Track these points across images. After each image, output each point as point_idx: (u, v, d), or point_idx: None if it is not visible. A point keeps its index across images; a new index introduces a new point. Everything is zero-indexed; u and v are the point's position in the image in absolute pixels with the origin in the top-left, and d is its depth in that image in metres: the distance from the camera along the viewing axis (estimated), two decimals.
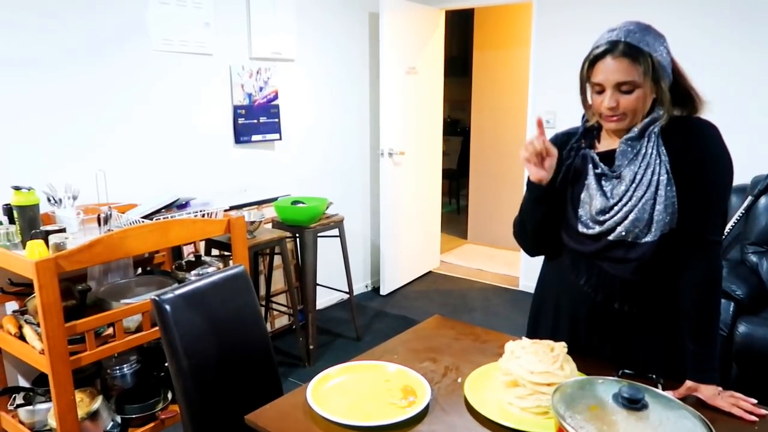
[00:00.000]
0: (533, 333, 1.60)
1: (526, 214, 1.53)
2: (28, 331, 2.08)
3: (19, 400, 2.26)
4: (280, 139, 3.59)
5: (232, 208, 3.18)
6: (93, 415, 2.12)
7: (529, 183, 1.45)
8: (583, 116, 1.51)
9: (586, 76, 1.36)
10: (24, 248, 2.03)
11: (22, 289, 2.28)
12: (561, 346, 1.32)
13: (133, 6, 2.75)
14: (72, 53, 2.57)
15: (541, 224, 1.51)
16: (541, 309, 1.62)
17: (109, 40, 2.69)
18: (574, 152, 1.49)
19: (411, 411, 1.26)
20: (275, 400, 1.37)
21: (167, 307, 1.50)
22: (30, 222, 2.12)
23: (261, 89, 3.43)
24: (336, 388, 1.38)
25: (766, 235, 2.99)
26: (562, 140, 1.54)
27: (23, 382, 2.45)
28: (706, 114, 1.38)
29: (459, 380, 1.42)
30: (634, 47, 1.28)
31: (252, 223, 2.93)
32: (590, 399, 1.05)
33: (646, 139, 1.35)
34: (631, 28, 1.30)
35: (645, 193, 1.33)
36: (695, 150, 1.33)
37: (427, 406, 1.29)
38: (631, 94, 1.30)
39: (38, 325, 2.02)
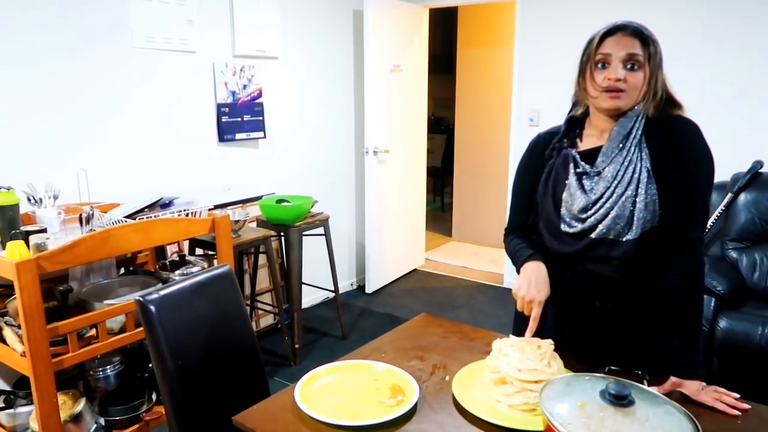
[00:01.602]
0: (519, 332, 1.61)
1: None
2: (8, 333, 2.04)
3: (0, 403, 2.22)
4: (265, 137, 3.57)
5: (216, 207, 3.15)
6: (76, 418, 2.10)
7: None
8: (567, 115, 1.52)
9: (593, 51, 1.37)
10: (3, 249, 2.00)
11: (1, 291, 2.24)
12: (548, 344, 1.33)
13: (114, 3, 2.71)
14: (53, 51, 2.53)
15: None
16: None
17: (91, 38, 2.65)
18: (555, 152, 1.50)
19: (399, 410, 1.25)
20: (263, 400, 1.36)
21: (152, 307, 1.48)
22: (10, 222, 2.08)
23: (245, 87, 3.40)
24: (324, 388, 1.38)
25: (746, 231, 3.04)
26: (545, 140, 1.55)
27: (3, 385, 2.41)
28: (688, 111, 1.40)
29: (447, 378, 1.42)
30: (643, 32, 1.35)
31: (236, 222, 2.91)
32: (577, 396, 1.06)
33: (632, 136, 1.36)
34: (632, 21, 1.37)
35: (626, 190, 1.34)
36: (677, 148, 1.35)
37: (416, 405, 1.29)
38: (635, 71, 1.34)
39: (19, 326, 1.98)
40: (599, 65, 1.37)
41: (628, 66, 1.34)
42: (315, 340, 3.61)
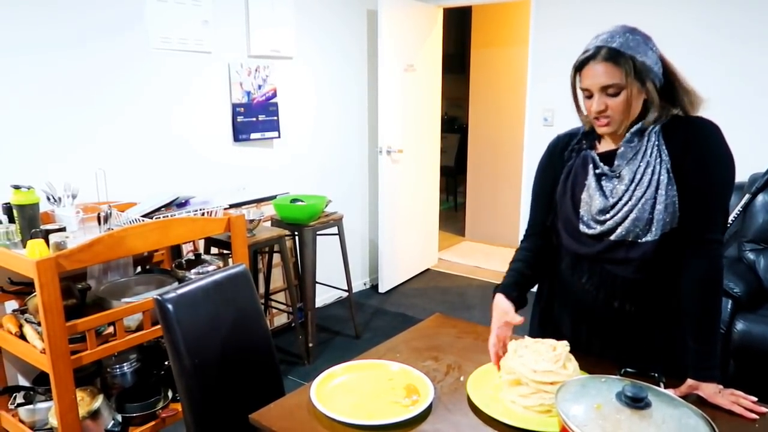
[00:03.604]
0: (534, 333, 1.61)
1: None
2: (28, 330, 2.07)
3: (20, 399, 2.26)
4: (279, 137, 3.59)
5: (231, 206, 3.17)
6: (94, 414, 2.12)
7: None
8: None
9: (574, 83, 1.40)
10: (24, 247, 2.03)
11: (22, 288, 2.28)
12: (563, 345, 1.33)
13: (131, 4, 2.75)
14: (70, 52, 2.56)
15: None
16: (543, 309, 1.63)
17: (108, 39, 2.69)
18: (575, 153, 1.50)
19: (415, 410, 1.26)
20: (279, 399, 1.37)
21: (170, 306, 1.50)
22: (30, 221, 2.12)
23: (260, 87, 3.42)
24: (339, 387, 1.39)
25: (764, 232, 3.01)
26: (564, 141, 1.55)
27: (23, 381, 2.45)
28: (705, 111, 1.39)
29: (461, 379, 1.43)
30: (615, 50, 1.31)
31: (251, 221, 2.93)
32: (593, 398, 1.05)
33: (646, 138, 1.36)
34: (614, 32, 1.34)
35: (645, 192, 1.34)
36: (697, 149, 1.34)
37: (431, 405, 1.30)
38: (617, 96, 1.33)
39: (39, 324, 2.02)
40: (585, 96, 1.39)
41: (609, 92, 1.33)
42: (328, 339, 3.63)
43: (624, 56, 1.31)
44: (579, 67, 1.37)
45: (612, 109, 1.34)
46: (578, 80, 1.39)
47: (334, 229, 3.41)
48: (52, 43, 2.49)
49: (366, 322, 3.88)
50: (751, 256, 3.03)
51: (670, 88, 1.37)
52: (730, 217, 3.08)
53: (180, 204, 2.50)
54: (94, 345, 2.04)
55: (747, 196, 3.05)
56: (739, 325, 2.62)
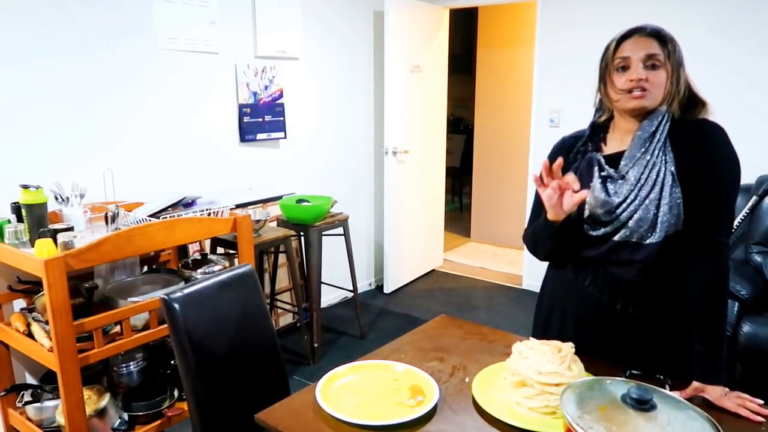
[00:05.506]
0: (539, 335, 1.61)
1: (540, 242, 1.52)
2: (36, 328, 2.09)
3: (27, 397, 2.28)
4: (285, 137, 3.60)
5: (237, 206, 3.19)
6: (101, 413, 2.14)
7: (546, 220, 1.42)
8: (590, 121, 1.52)
9: (611, 55, 1.39)
10: (32, 246, 2.04)
11: (29, 287, 2.29)
12: (568, 347, 1.33)
13: (139, 5, 2.76)
14: (78, 52, 2.58)
15: (556, 249, 1.51)
16: (546, 311, 1.62)
17: (115, 39, 2.70)
18: (580, 155, 1.50)
19: (420, 410, 1.26)
20: (284, 399, 1.37)
21: (176, 305, 1.51)
22: (38, 220, 2.13)
23: (266, 88, 3.43)
24: (345, 388, 1.39)
25: None
26: (569, 143, 1.55)
27: (31, 380, 2.47)
28: (711, 110, 1.40)
29: (467, 380, 1.43)
30: (660, 31, 1.37)
31: (257, 221, 2.93)
32: (599, 399, 1.06)
33: (656, 139, 1.36)
34: (650, 23, 1.39)
35: (649, 193, 1.34)
36: (702, 152, 1.34)
37: (436, 406, 1.30)
38: (656, 70, 1.35)
39: (46, 322, 2.03)
40: (619, 69, 1.38)
41: (649, 65, 1.34)
42: (333, 339, 3.64)
43: (667, 38, 1.36)
44: (620, 40, 1.38)
45: (651, 82, 1.34)
46: (615, 52, 1.39)
47: (340, 230, 3.42)
48: (60, 48, 2.51)
49: (371, 322, 3.88)
50: (758, 258, 3.01)
51: (689, 97, 1.39)
52: (738, 219, 3.07)
53: (187, 204, 2.51)
54: (101, 344, 2.06)
55: (754, 198, 3.04)
56: (746, 328, 2.61)
